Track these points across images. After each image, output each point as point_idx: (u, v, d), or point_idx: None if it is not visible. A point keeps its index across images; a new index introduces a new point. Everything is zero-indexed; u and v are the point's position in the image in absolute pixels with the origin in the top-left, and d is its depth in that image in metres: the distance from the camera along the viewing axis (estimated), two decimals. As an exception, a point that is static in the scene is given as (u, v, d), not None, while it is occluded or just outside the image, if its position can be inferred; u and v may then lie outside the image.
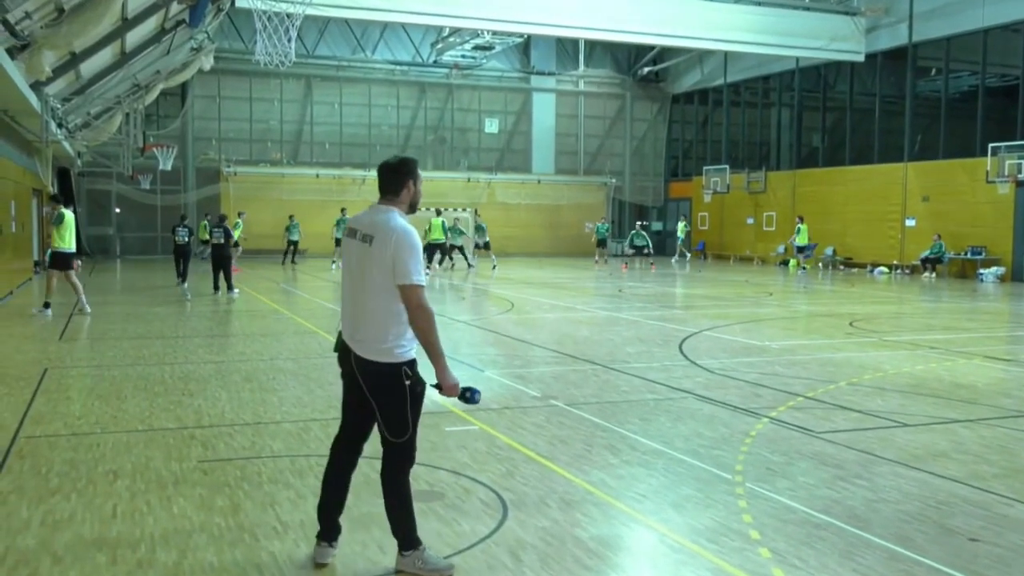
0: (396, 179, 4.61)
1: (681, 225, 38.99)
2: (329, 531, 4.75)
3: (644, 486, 6.07)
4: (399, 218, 4.51)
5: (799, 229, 32.15)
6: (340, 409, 4.76)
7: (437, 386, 4.53)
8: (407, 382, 4.48)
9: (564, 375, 10.33)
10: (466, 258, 32.66)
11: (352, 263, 4.57)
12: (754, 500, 5.75)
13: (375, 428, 4.65)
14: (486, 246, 32.47)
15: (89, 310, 16.23)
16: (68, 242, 16.15)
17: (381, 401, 4.51)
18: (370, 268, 4.44)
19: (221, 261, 20.61)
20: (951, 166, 29.81)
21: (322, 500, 4.77)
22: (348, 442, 4.76)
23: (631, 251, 34.72)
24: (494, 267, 31.12)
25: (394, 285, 4.40)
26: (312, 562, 4.70)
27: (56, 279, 16.29)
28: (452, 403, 8.57)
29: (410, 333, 4.50)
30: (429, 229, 28.66)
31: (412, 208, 4.66)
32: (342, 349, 4.64)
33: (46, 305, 16.11)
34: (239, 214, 30.16)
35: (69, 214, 16.24)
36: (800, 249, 32.29)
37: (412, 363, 4.52)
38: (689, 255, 39.47)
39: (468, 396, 4.59)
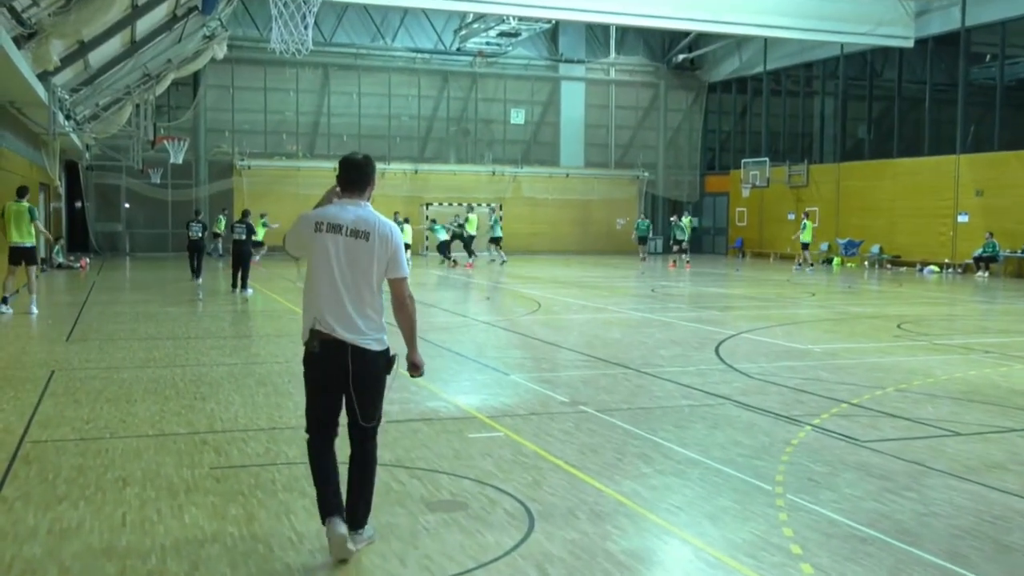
0: (367, 176, 5.09)
1: (687, 220, 37.63)
2: (337, 506, 4.96)
3: (679, 497, 6.05)
4: (380, 215, 5.04)
5: (804, 225, 32.08)
6: (317, 409, 5.05)
7: (413, 365, 5.17)
8: (392, 365, 5.04)
9: (594, 379, 10.31)
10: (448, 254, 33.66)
11: (340, 258, 4.91)
12: (795, 513, 5.71)
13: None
14: (494, 241, 33.55)
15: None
16: (11, 236, 15.74)
17: (371, 387, 4.98)
18: (369, 263, 4.91)
19: (241, 258, 20.78)
20: (1007, 158, 29.47)
21: (322, 495, 5.00)
22: (327, 437, 5.08)
23: (675, 247, 34.67)
24: (502, 262, 32.05)
25: (383, 278, 4.97)
26: (333, 544, 4.84)
27: (32, 274, 16.18)
28: (476, 409, 8.61)
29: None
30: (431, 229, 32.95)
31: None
32: (327, 345, 4.90)
33: (4, 301, 15.92)
34: (261, 215, 31.03)
35: (11, 205, 15.85)
36: (805, 246, 32.18)
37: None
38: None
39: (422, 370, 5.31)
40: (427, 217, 36.10)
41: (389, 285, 5.03)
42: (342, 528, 4.88)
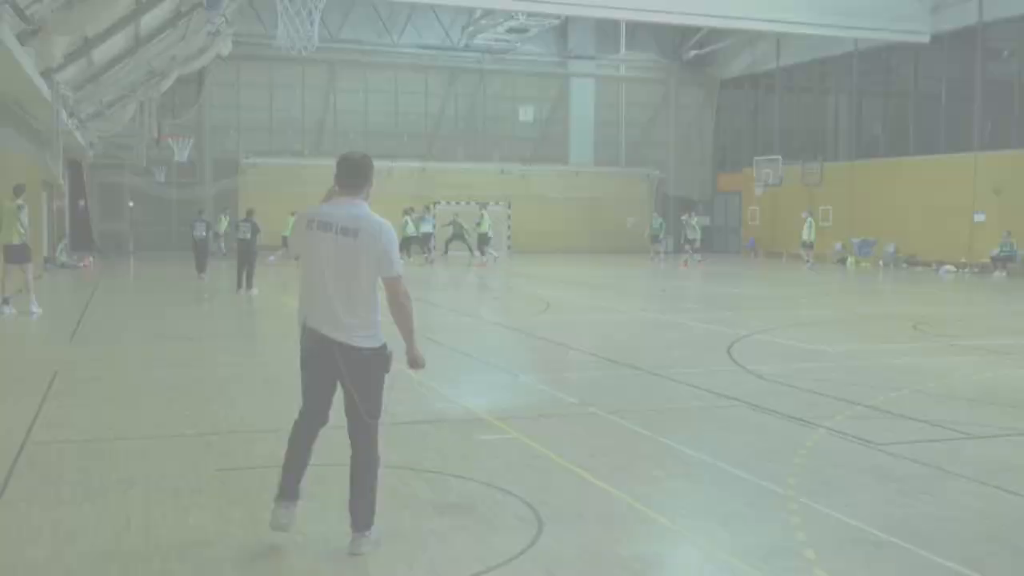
0: (364, 175, 5.14)
1: (695, 221, 36.77)
2: (294, 491, 5.15)
3: (690, 501, 6.04)
4: (374, 213, 5.09)
5: (810, 224, 31.95)
6: (310, 399, 5.19)
7: (413, 359, 5.21)
8: (389, 362, 5.09)
9: (604, 380, 10.31)
10: (429, 250, 33.96)
11: (330, 256, 4.99)
12: (809, 517, 5.70)
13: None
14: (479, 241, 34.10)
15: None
16: (4, 235, 15.74)
17: (365, 384, 5.03)
18: (357, 261, 4.96)
19: (247, 257, 20.81)
20: (1025, 156, 29.35)
21: (288, 470, 5.18)
22: (312, 425, 5.24)
23: (687, 246, 34.60)
24: (495, 259, 33.31)
25: (376, 276, 5.01)
26: (273, 526, 5.05)
27: (28, 273, 16.11)
28: (484, 410, 8.61)
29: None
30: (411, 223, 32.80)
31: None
32: (317, 342, 5.00)
33: (5, 301, 15.94)
34: (293, 214, 31.09)
35: (6, 204, 15.85)
36: (808, 245, 32.06)
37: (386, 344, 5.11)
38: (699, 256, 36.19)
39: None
40: (427, 209, 36.04)
41: (383, 283, 5.06)
42: (284, 517, 5.07)
